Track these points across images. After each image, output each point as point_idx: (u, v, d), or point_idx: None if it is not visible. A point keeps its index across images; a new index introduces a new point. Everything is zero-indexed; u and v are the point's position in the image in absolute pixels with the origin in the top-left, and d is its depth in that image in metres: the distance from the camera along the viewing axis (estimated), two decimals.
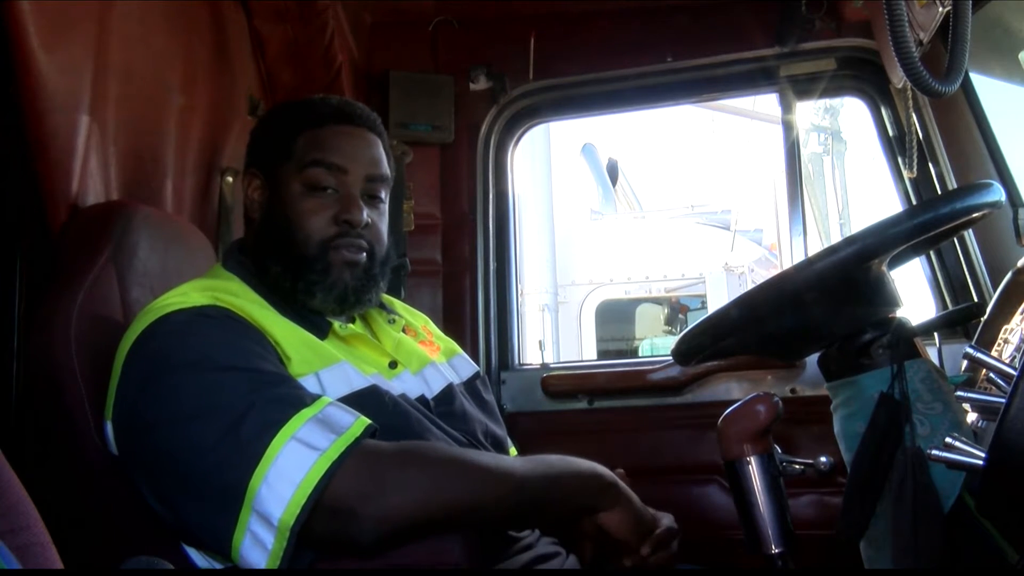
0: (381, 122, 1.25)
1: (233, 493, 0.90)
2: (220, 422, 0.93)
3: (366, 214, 1.15)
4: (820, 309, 1.02)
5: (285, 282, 1.14)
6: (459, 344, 1.40)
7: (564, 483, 1.04)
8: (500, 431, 1.26)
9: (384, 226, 1.21)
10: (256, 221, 1.20)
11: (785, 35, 1.97)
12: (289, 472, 0.90)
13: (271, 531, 0.89)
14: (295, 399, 0.96)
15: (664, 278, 6.57)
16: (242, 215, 1.68)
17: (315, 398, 0.97)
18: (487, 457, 1.05)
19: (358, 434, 0.94)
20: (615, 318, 6.66)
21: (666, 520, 1.13)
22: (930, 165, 1.90)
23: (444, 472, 0.97)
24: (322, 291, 1.14)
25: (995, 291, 1.51)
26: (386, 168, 1.21)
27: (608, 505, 1.05)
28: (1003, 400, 0.73)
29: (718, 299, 6.02)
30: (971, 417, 1.07)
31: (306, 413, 0.94)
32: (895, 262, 1.10)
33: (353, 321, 1.22)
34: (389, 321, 1.25)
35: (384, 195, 1.21)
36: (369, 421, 0.96)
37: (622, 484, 1.08)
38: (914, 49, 1.11)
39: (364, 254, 1.17)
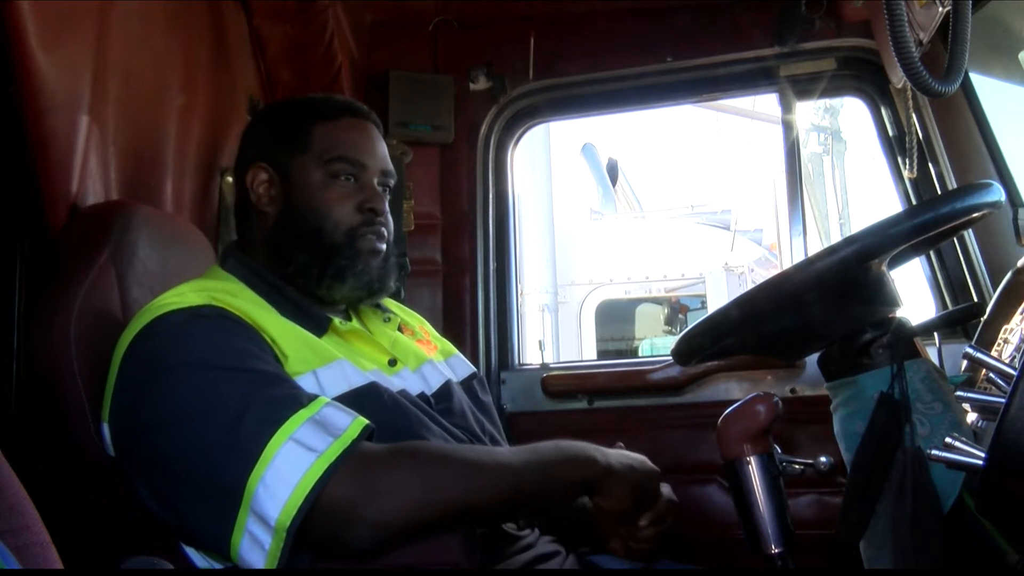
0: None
1: (231, 494, 0.90)
2: (217, 422, 0.93)
3: (385, 204, 1.21)
4: (820, 309, 1.02)
5: (313, 270, 1.16)
6: (459, 344, 1.40)
7: (559, 471, 1.05)
8: (497, 430, 1.26)
9: (391, 218, 1.24)
10: (270, 216, 1.20)
11: (785, 35, 1.97)
12: (286, 473, 0.90)
13: (268, 532, 0.89)
14: (292, 399, 0.96)
15: (664, 278, 6.57)
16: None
17: (312, 398, 0.97)
18: (481, 453, 1.06)
19: (355, 436, 0.94)
20: (615, 318, 6.66)
21: (665, 490, 1.15)
22: (930, 165, 1.90)
23: (439, 474, 0.97)
24: (352, 277, 1.16)
25: (995, 291, 1.51)
26: (392, 165, 1.25)
27: (603, 490, 1.06)
28: (1003, 400, 0.73)
29: (718, 299, 6.02)
30: (971, 417, 1.07)
31: (303, 414, 0.94)
32: (895, 262, 1.10)
33: (350, 319, 1.22)
34: (385, 320, 1.26)
35: (390, 189, 1.25)
36: (366, 422, 0.96)
37: (615, 464, 1.08)
38: (914, 49, 1.11)
39: (384, 243, 1.20)
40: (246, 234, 1.25)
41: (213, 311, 1.04)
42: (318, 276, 1.16)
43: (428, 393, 1.18)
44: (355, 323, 1.21)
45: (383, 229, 1.20)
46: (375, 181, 1.20)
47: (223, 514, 0.91)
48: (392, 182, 1.25)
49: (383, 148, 1.24)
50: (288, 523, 0.88)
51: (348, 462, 0.91)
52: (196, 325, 1.01)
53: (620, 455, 1.11)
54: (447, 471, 0.97)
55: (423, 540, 0.93)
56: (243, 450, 0.91)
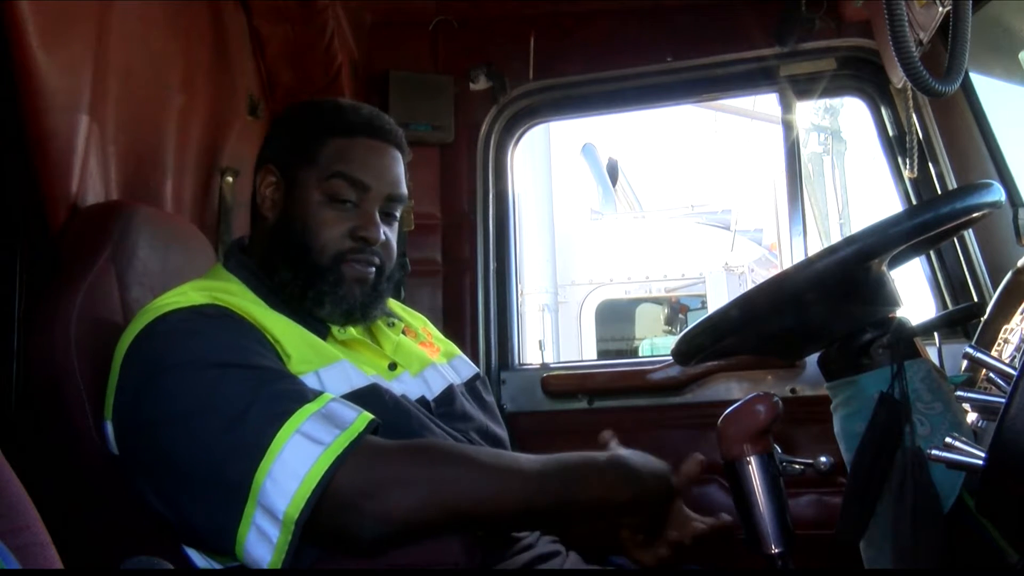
0: (404, 137, 1.23)
1: (237, 488, 0.90)
2: (222, 418, 0.93)
3: (383, 232, 1.16)
4: (820, 309, 1.02)
5: (295, 288, 1.14)
6: (459, 344, 1.40)
7: (581, 487, 1.01)
8: (500, 432, 1.26)
9: (395, 242, 1.21)
10: (269, 221, 1.19)
11: (785, 35, 1.97)
12: (294, 466, 0.90)
13: (276, 525, 0.89)
14: (297, 394, 0.96)
15: (664, 278, 6.58)
16: (242, 214, 1.70)
17: (317, 394, 0.98)
18: (498, 457, 1.04)
19: (361, 429, 0.94)
20: (615, 318, 6.66)
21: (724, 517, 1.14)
22: (930, 165, 1.90)
23: (448, 470, 0.97)
24: (332, 302, 1.14)
25: (995, 291, 1.51)
26: (405, 187, 1.21)
27: (632, 512, 1.04)
28: (1003, 400, 0.73)
29: (718, 299, 6.02)
30: (971, 417, 1.07)
31: (309, 408, 0.94)
32: (895, 262, 1.10)
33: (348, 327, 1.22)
34: (388, 324, 1.25)
35: (399, 213, 1.22)
36: (372, 416, 0.97)
37: (641, 468, 1.06)
38: (914, 49, 1.11)
39: (374, 270, 1.17)
40: (252, 232, 1.25)
41: (216, 310, 1.04)
42: (299, 296, 1.14)
43: (429, 398, 1.18)
44: (356, 330, 1.19)
45: (374, 257, 1.16)
46: (376, 207, 1.16)
47: (229, 509, 0.91)
48: (401, 206, 1.21)
49: (396, 171, 1.19)
50: (296, 515, 0.88)
51: (356, 454, 0.92)
52: (199, 323, 1.01)
53: (647, 466, 1.07)
54: (458, 470, 0.97)
55: (424, 539, 0.93)
56: (249, 444, 0.91)
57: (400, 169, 1.21)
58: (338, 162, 1.15)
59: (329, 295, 1.13)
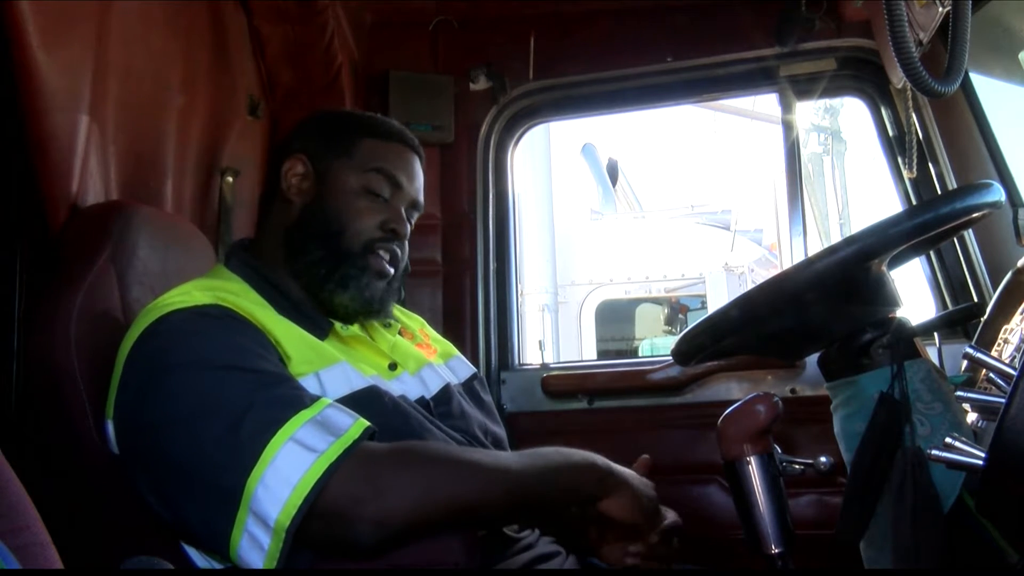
0: None
1: (230, 494, 0.90)
2: (219, 422, 0.93)
3: (408, 230, 1.23)
4: (820, 309, 1.02)
5: (321, 269, 1.16)
6: (459, 344, 1.40)
7: (560, 476, 1.04)
8: (499, 430, 1.26)
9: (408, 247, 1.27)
10: (295, 204, 1.21)
11: (785, 35, 1.97)
12: (286, 473, 0.90)
13: (267, 532, 0.89)
14: (294, 400, 0.96)
15: (664, 278, 6.58)
16: (242, 214, 1.70)
17: (314, 399, 0.97)
18: (482, 454, 1.06)
19: (356, 436, 0.94)
20: (615, 318, 6.66)
21: (670, 515, 1.14)
22: (930, 165, 1.90)
23: (439, 472, 0.97)
24: (356, 288, 1.17)
25: (995, 291, 1.51)
26: (423, 199, 1.28)
27: (607, 493, 1.05)
28: (1003, 400, 0.73)
29: (718, 299, 6.02)
30: (971, 417, 1.07)
31: (305, 414, 0.94)
32: (895, 262, 1.10)
33: (352, 323, 1.22)
34: (385, 325, 1.26)
35: (414, 220, 1.28)
36: (368, 423, 0.96)
37: (617, 469, 1.08)
38: (914, 49, 1.11)
39: (393, 268, 1.21)
40: (264, 222, 1.26)
41: (219, 311, 1.04)
42: (323, 278, 1.16)
43: (427, 397, 1.18)
44: (356, 328, 1.20)
45: (398, 251, 1.21)
46: (403, 207, 1.22)
47: (223, 514, 0.91)
48: (416, 216, 1.27)
49: (421, 181, 1.27)
50: (288, 523, 0.88)
51: (349, 461, 0.91)
52: (201, 324, 1.01)
53: (621, 468, 1.10)
54: (447, 470, 0.97)
55: (423, 540, 0.93)
56: (243, 450, 0.91)
57: (422, 180, 1.28)
58: (376, 160, 1.21)
59: (354, 280, 1.17)
